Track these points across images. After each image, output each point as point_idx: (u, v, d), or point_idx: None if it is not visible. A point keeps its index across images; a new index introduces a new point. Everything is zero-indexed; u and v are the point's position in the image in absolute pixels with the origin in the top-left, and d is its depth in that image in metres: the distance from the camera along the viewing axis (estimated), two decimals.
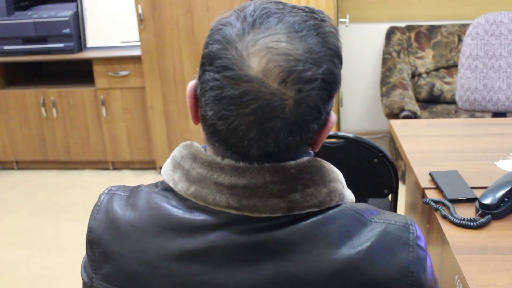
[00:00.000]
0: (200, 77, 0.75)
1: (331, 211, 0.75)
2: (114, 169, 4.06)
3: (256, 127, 0.69)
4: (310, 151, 0.82)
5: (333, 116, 0.78)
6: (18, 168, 4.18)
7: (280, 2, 0.76)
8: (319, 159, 0.78)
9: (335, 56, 0.73)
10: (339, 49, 0.74)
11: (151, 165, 4.00)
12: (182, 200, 0.77)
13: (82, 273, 0.87)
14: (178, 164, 0.79)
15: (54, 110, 3.89)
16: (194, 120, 0.79)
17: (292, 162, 0.74)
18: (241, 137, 0.71)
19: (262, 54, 0.68)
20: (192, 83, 0.78)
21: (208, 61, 0.72)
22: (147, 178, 3.87)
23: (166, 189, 0.80)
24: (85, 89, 3.84)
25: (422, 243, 0.75)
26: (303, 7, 0.76)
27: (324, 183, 0.75)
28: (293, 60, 0.68)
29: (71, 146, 3.98)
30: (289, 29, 0.70)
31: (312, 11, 0.75)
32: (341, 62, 0.75)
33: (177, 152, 0.81)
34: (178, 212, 0.76)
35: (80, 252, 2.91)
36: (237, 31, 0.71)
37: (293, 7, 0.75)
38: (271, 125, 0.69)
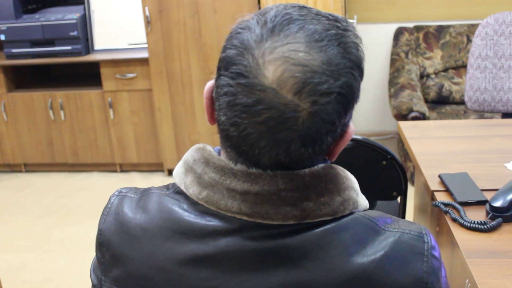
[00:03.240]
0: (216, 80, 0.74)
1: (344, 219, 0.73)
2: (122, 171, 4.06)
3: (268, 137, 0.68)
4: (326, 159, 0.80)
5: (351, 127, 0.77)
6: (26, 171, 4.19)
7: (305, 7, 0.73)
8: (334, 165, 0.77)
9: (356, 68, 0.70)
10: (361, 61, 0.72)
11: (159, 167, 3.99)
12: (193, 204, 0.76)
13: (91, 275, 0.86)
14: (190, 167, 0.78)
15: (61, 113, 3.90)
16: (210, 121, 0.79)
17: (307, 170, 0.73)
18: (252, 145, 0.70)
19: (278, 63, 0.67)
20: (209, 84, 0.77)
21: (224, 65, 0.71)
22: (155, 180, 3.87)
23: (177, 192, 0.79)
24: (92, 92, 3.85)
25: (436, 253, 0.74)
26: (327, 14, 0.73)
27: (338, 192, 0.74)
28: (309, 71, 0.66)
29: (79, 149, 3.99)
30: (309, 38, 0.68)
31: (336, 19, 0.72)
32: (361, 75, 0.72)
33: (189, 155, 0.80)
34: (189, 216, 0.75)
35: (88, 255, 2.91)
36: (256, 37, 0.69)
37: (317, 13, 0.72)
38: (283, 136, 0.68)
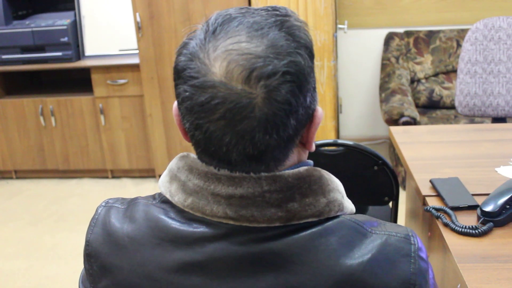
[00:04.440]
0: (175, 92, 0.75)
1: (330, 222, 0.74)
2: (113, 177, 4.05)
3: (230, 131, 0.69)
4: (310, 161, 0.81)
5: (319, 111, 0.77)
6: (17, 178, 4.16)
7: (245, 7, 0.75)
8: (318, 168, 0.77)
9: (302, 48, 0.71)
10: (307, 41, 0.73)
11: (151, 173, 3.98)
12: (179, 212, 0.76)
13: (80, 287, 0.86)
14: (174, 175, 0.78)
15: (52, 119, 3.89)
16: (185, 137, 0.79)
17: (290, 171, 0.73)
18: (219, 144, 0.70)
19: (223, 57, 0.68)
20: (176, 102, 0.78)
21: (177, 75, 0.73)
22: (147, 186, 3.86)
23: (163, 201, 0.79)
24: (83, 98, 3.83)
25: (423, 255, 0.74)
26: (266, 7, 0.75)
27: (323, 193, 0.74)
28: (253, 57, 0.68)
29: (70, 155, 3.97)
30: (249, 29, 0.70)
31: (274, 9, 0.74)
32: (311, 54, 0.73)
33: (173, 163, 0.80)
34: (176, 224, 0.75)
35: (79, 262, 2.89)
36: (200, 42, 0.71)
37: (256, 9, 0.75)
38: (243, 126, 0.68)
